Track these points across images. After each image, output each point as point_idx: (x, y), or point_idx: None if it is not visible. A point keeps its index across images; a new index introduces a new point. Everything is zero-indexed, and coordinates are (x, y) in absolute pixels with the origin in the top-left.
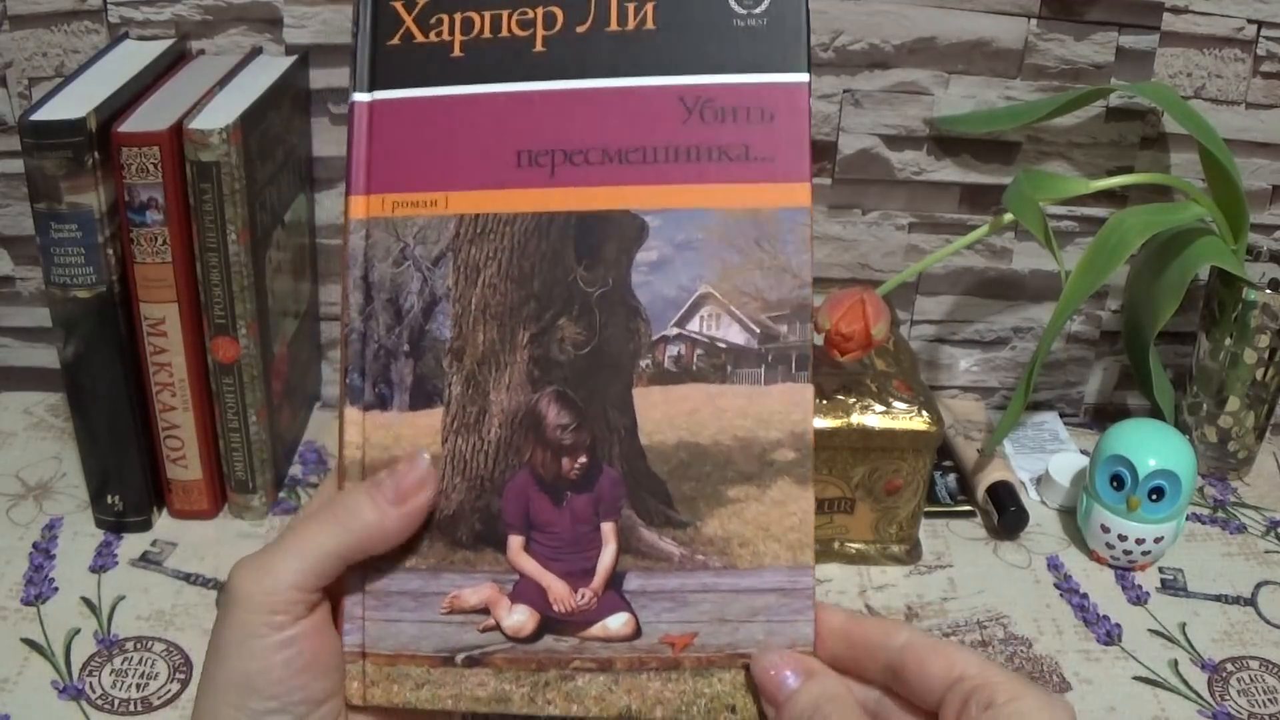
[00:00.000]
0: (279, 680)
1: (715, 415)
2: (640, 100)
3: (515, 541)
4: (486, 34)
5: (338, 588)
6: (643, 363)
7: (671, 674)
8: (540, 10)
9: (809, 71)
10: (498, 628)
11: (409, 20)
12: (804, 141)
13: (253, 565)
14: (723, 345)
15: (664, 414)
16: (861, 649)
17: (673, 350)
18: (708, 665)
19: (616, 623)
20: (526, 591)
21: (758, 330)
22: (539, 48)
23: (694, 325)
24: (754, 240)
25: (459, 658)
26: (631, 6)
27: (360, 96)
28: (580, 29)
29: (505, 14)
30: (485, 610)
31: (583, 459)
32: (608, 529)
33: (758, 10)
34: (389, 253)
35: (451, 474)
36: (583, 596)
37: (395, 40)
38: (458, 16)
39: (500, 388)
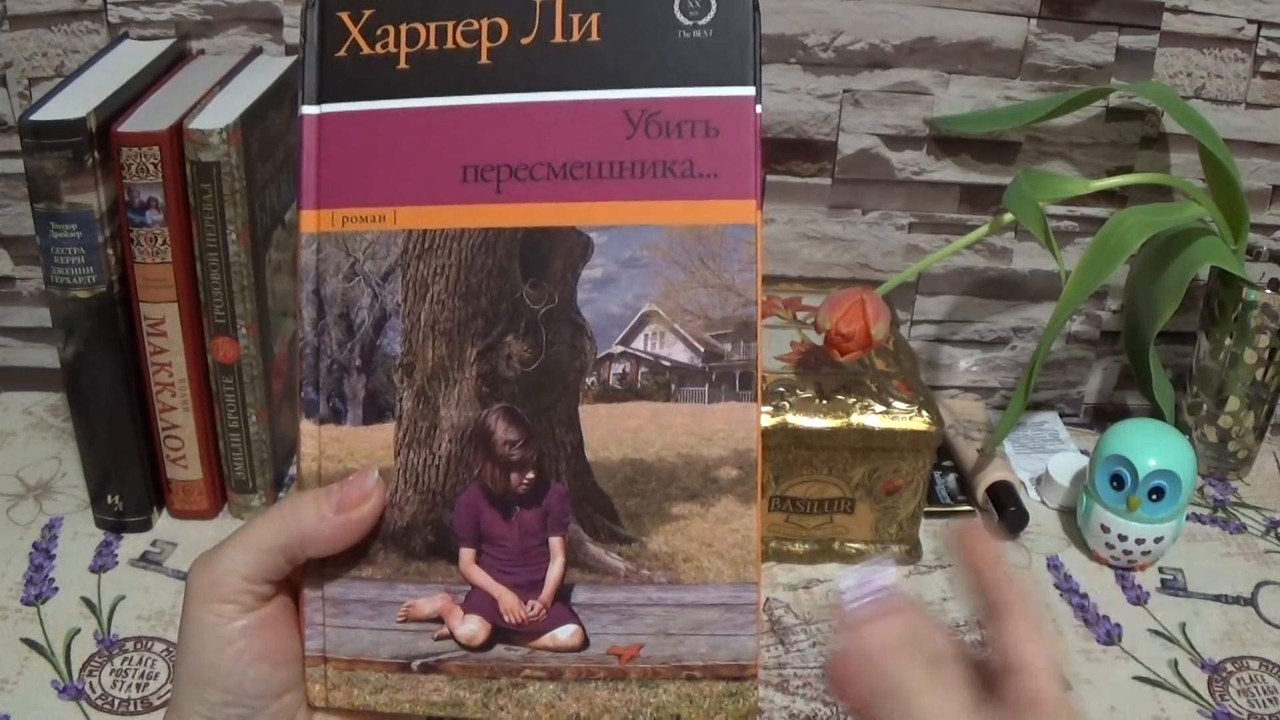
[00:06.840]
0: (230, 674)
1: (660, 433)
2: (585, 114)
3: (466, 554)
4: (432, 45)
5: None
6: (588, 380)
7: (619, 684)
8: (485, 22)
9: (756, 85)
10: (451, 636)
11: (355, 32)
12: (749, 157)
13: (204, 558)
14: (667, 363)
15: (609, 431)
16: (972, 578)
17: (618, 368)
18: (653, 676)
19: (565, 634)
20: (478, 602)
21: (702, 349)
22: (484, 60)
23: (638, 343)
24: (698, 258)
25: (415, 664)
26: (576, 18)
27: (309, 109)
28: (525, 41)
29: (450, 25)
30: (439, 619)
31: (530, 474)
32: (555, 543)
33: (703, 21)
34: (339, 268)
35: (404, 487)
36: (532, 608)
37: (342, 52)
38: (403, 28)
39: (450, 403)
